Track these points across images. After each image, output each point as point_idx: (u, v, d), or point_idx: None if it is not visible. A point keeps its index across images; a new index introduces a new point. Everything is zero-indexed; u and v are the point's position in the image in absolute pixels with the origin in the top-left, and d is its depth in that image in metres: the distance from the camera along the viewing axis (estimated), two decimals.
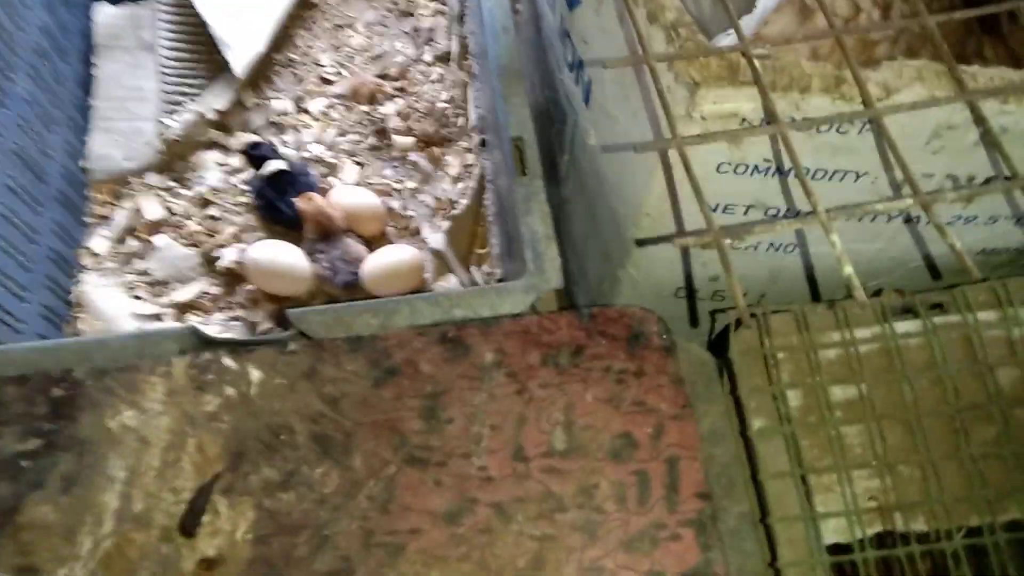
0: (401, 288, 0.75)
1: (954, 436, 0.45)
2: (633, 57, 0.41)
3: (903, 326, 0.46)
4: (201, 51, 0.88)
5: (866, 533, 0.43)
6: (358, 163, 0.83)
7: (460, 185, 0.80)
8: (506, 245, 0.66)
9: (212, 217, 0.79)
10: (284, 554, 0.42)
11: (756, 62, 0.38)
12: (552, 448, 0.44)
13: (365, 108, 0.85)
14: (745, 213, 0.48)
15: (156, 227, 0.78)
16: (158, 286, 0.76)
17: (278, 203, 0.77)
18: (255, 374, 0.46)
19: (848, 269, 0.35)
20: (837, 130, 0.42)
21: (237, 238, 0.78)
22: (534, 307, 0.47)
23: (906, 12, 0.58)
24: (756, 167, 0.44)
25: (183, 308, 0.74)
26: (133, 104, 0.83)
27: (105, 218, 0.80)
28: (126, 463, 0.44)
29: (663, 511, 0.43)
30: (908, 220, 0.51)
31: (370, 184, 0.81)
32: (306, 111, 0.85)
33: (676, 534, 0.42)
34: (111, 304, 0.74)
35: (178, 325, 0.48)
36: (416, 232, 0.79)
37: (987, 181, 0.47)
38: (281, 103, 0.85)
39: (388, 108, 0.84)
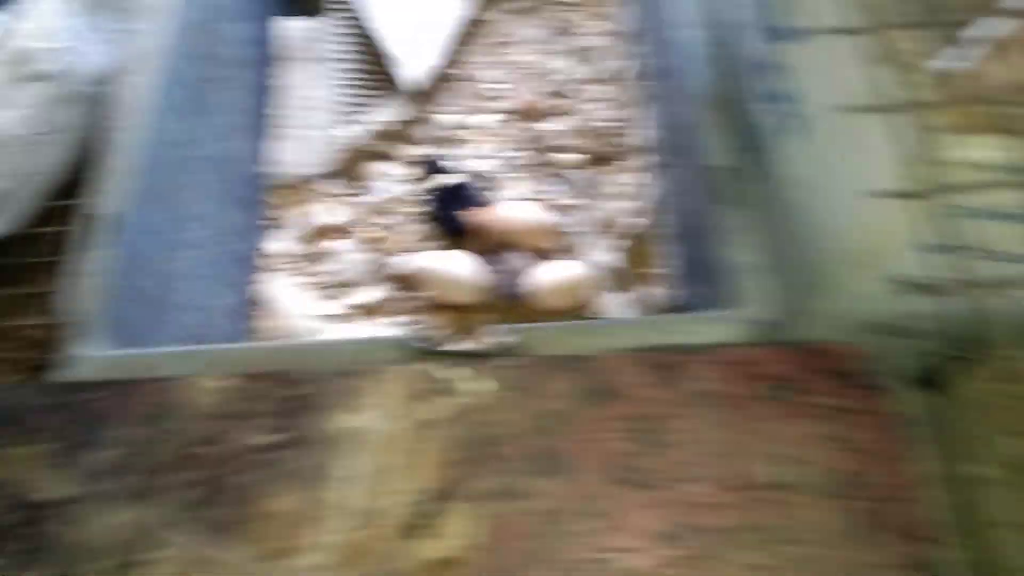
0: (566, 303, 0.77)
1: None
2: (888, 103, 0.42)
3: None
4: (375, 65, 0.92)
5: None
6: (523, 179, 0.85)
7: (624, 204, 0.81)
8: (687, 269, 0.67)
9: (385, 225, 0.83)
10: (505, 562, 0.44)
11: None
12: (763, 479, 0.45)
13: (530, 125, 0.88)
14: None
15: (333, 232, 0.82)
16: (334, 288, 0.80)
17: (450, 215, 0.80)
18: (478, 386, 0.48)
19: None
20: None
21: (409, 246, 0.81)
22: (749, 339, 0.48)
23: None
24: (1007, 214, 0.43)
25: (360, 311, 0.78)
26: (311, 114, 0.88)
27: (282, 222, 0.84)
28: (358, 464, 0.47)
29: (873, 550, 0.43)
30: None
31: (534, 200, 0.83)
32: (473, 126, 0.88)
33: None
34: (291, 303, 0.78)
35: (395, 335, 0.51)
36: (577, 249, 0.81)
37: None
38: (450, 117, 0.89)
39: (553, 125, 0.87)
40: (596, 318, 0.75)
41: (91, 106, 0.82)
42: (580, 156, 0.84)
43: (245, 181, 0.81)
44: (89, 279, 0.55)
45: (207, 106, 0.73)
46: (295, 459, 0.47)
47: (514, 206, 0.81)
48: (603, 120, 0.86)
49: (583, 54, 0.92)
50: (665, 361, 0.48)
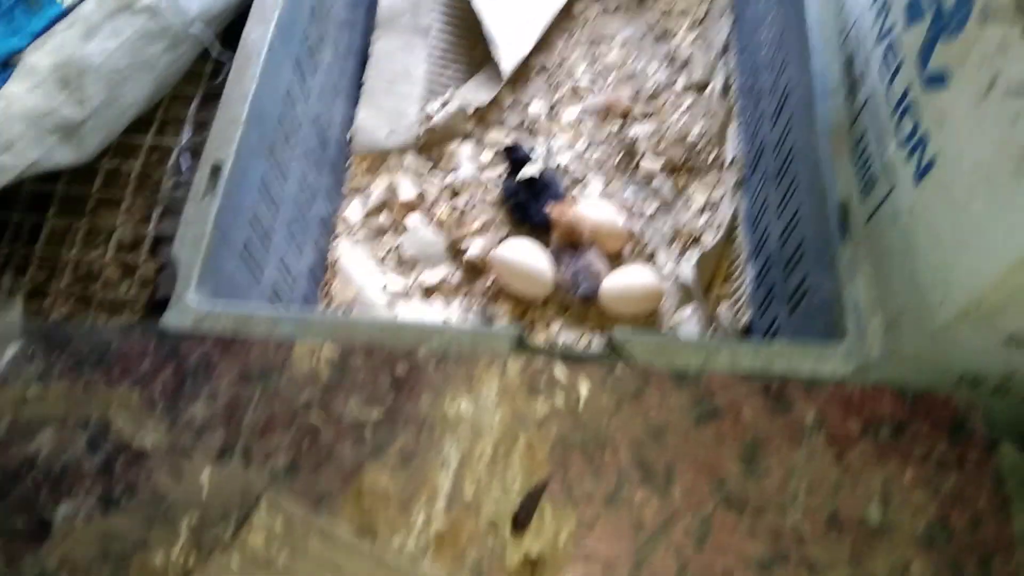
0: (636, 311, 0.76)
1: None
2: None
3: None
4: (467, 43, 0.91)
5: None
6: (603, 179, 0.85)
7: (704, 218, 0.81)
8: (765, 292, 0.67)
9: (461, 207, 0.82)
10: (601, 566, 0.44)
11: None
12: (866, 520, 0.45)
13: (615, 126, 0.87)
14: None
15: (409, 207, 0.82)
16: (405, 264, 0.79)
17: (529, 207, 0.79)
18: (583, 388, 0.48)
19: None
20: None
21: (482, 232, 0.81)
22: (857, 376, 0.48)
23: None
24: None
25: (427, 291, 0.78)
26: (400, 84, 0.87)
27: (361, 189, 0.84)
28: (460, 449, 0.46)
29: None
30: None
31: (612, 202, 0.83)
32: (558, 119, 0.88)
33: None
34: (362, 273, 0.78)
35: (507, 327, 0.51)
36: (651, 257, 0.80)
37: None
38: (535, 108, 0.88)
39: (638, 129, 0.86)
40: (671, 330, 0.75)
41: (185, 45, 0.82)
42: (663, 163, 0.84)
43: (336, 144, 0.80)
44: (194, 227, 0.55)
45: (313, 63, 0.72)
46: (397, 439, 0.47)
47: (593, 205, 0.81)
48: (691, 132, 0.85)
49: (676, 61, 0.91)
50: (774, 388, 0.48)
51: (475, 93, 0.87)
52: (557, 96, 0.89)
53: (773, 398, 0.48)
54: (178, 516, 0.44)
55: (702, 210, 0.81)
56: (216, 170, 0.56)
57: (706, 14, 0.95)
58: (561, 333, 0.75)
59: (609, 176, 0.85)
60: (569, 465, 0.46)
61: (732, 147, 0.81)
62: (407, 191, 0.82)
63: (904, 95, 0.56)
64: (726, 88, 0.85)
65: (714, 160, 0.83)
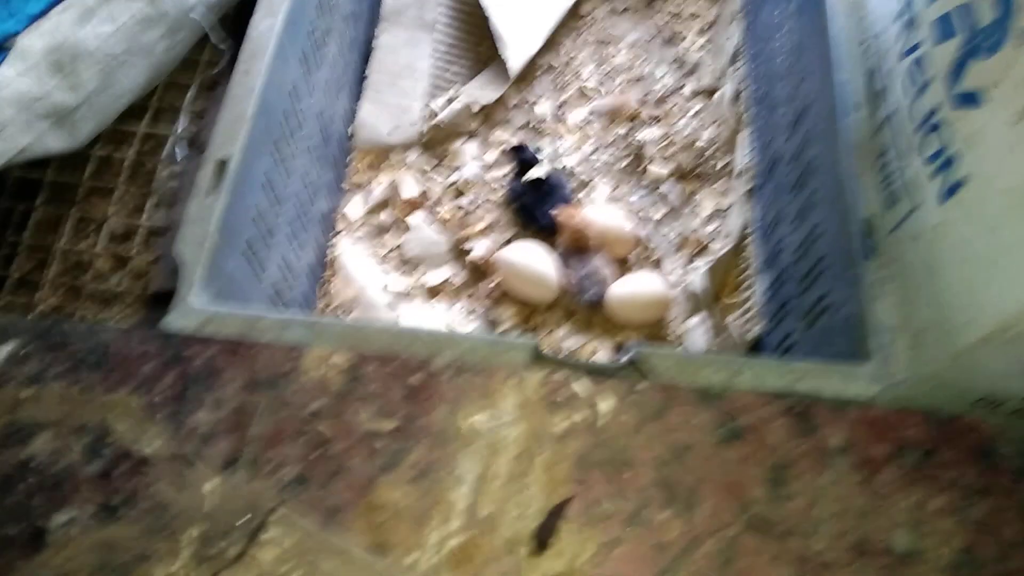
0: (643, 319, 0.75)
1: None
2: None
3: None
4: (472, 39, 0.89)
5: None
6: (609, 183, 0.83)
7: (712, 226, 0.80)
8: (777, 305, 0.66)
9: (464, 207, 0.80)
10: None
11: None
12: (892, 547, 0.44)
13: (622, 129, 0.86)
14: None
15: (412, 205, 0.80)
16: (407, 264, 0.77)
17: (535, 210, 0.78)
18: (604, 405, 0.47)
19: None
20: None
21: (486, 233, 0.79)
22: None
23: None
24: None
25: (430, 292, 0.76)
26: (404, 81, 0.85)
27: (361, 186, 0.82)
28: (476, 465, 0.45)
29: None
30: None
31: (620, 207, 0.81)
32: (564, 121, 0.86)
33: None
34: (363, 273, 0.76)
35: (526, 339, 0.49)
36: (657, 264, 0.79)
37: None
38: (542, 108, 0.86)
39: (646, 134, 0.85)
40: (681, 342, 0.73)
41: (183, 32, 0.79)
42: (671, 169, 0.83)
43: (338, 140, 0.78)
44: (197, 225, 0.52)
45: (319, 57, 0.70)
46: (411, 452, 0.45)
47: (600, 210, 0.79)
48: (699, 138, 0.84)
49: (684, 65, 0.90)
50: (800, 409, 0.47)
51: (481, 91, 0.85)
52: (564, 97, 0.88)
53: (798, 419, 0.47)
54: (181, 528, 0.42)
55: (710, 218, 0.80)
56: (222, 166, 0.54)
57: (716, 19, 0.93)
58: (566, 340, 0.74)
59: (616, 180, 0.83)
60: (590, 484, 0.45)
61: (742, 155, 0.80)
62: (410, 189, 0.80)
63: (931, 113, 0.55)
64: (736, 95, 0.84)
65: (723, 167, 0.82)
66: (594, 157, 0.84)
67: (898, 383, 0.49)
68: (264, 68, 0.58)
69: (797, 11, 0.70)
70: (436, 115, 0.84)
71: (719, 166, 0.82)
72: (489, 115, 0.85)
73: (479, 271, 0.77)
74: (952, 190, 0.52)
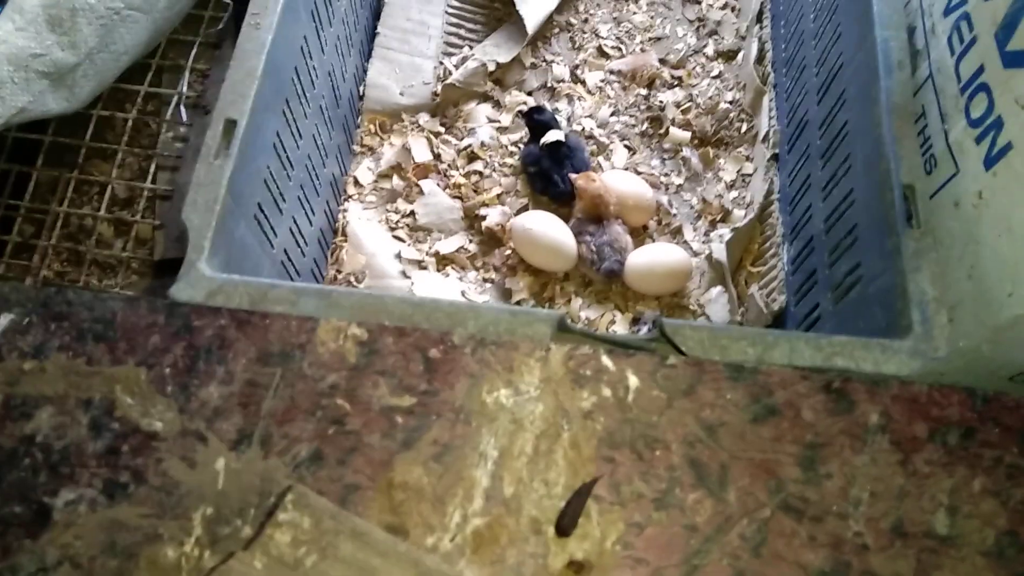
0: (663, 289, 0.73)
1: None
2: None
3: None
4: None
5: None
6: (628, 147, 0.80)
7: (734, 193, 0.77)
8: (802, 276, 0.63)
9: (478, 173, 0.78)
10: (651, 573, 0.41)
11: None
12: (932, 530, 0.42)
13: (642, 91, 0.83)
14: None
15: (423, 171, 0.77)
16: (420, 231, 0.75)
17: (553, 175, 0.75)
18: (633, 380, 0.45)
19: None
20: None
21: (501, 199, 0.77)
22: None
23: None
24: None
25: (442, 260, 0.74)
26: (416, 39, 0.82)
27: (372, 149, 0.79)
28: (499, 442, 0.43)
29: None
30: None
31: (638, 172, 0.79)
32: (582, 82, 0.83)
33: None
34: (374, 240, 0.73)
35: (550, 311, 0.47)
36: (677, 232, 0.77)
37: None
38: (559, 68, 0.83)
39: (667, 96, 0.82)
40: (702, 312, 0.71)
41: None
42: (692, 134, 0.80)
43: (348, 101, 0.75)
44: (206, 189, 0.50)
45: (328, 13, 0.66)
46: (431, 429, 0.43)
47: (618, 176, 0.77)
48: (722, 101, 0.81)
49: (705, 25, 0.87)
50: (836, 386, 0.45)
51: (496, 49, 0.82)
52: (581, 57, 0.84)
53: (834, 396, 0.45)
54: (191, 507, 0.41)
55: (732, 184, 0.78)
56: (231, 126, 0.51)
57: None
58: (583, 310, 0.72)
59: (635, 145, 0.80)
60: (617, 463, 0.43)
61: (766, 120, 0.77)
62: (421, 153, 0.77)
63: (977, 73, 0.52)
64: (761, 56, 0.80)
65: (747, 132, 0.79)
66: (612, 119, 0.81)
67: (938, 359, 0.47)
68: (274, 22, 0.55)
69: None
70: (450, 74, 0.80)
71: (743, 130, 0.79)
72: (504, 75, 0.82)
73: (494, 239, 0.75)
74: (999, 155, 0.50)
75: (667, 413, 0.44)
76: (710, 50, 0.85)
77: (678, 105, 0.81)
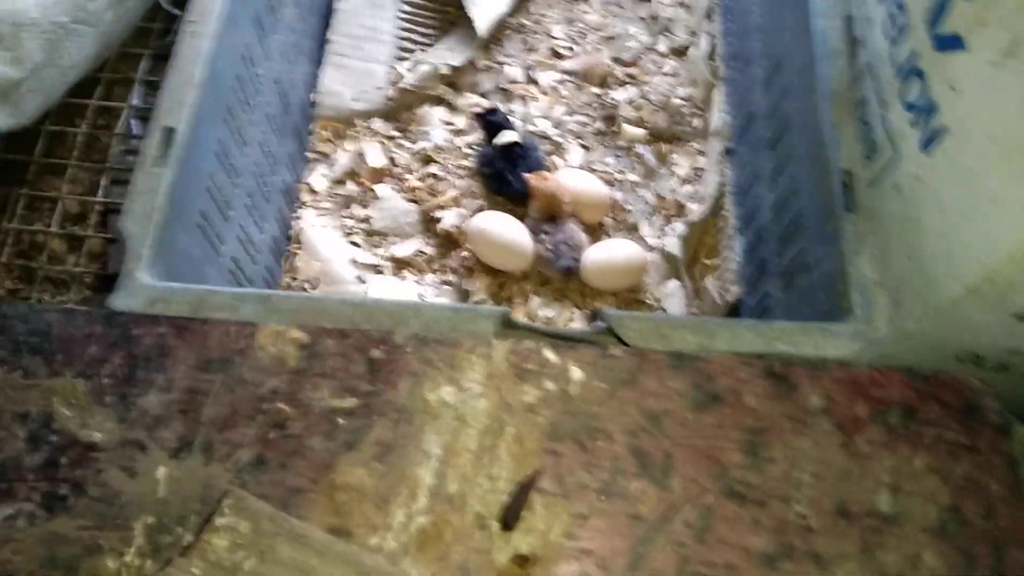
0: (619, 285, 0.73)
1: None
2: None
3: None
4: (439, 1, 0.86)
5: None
6: (583, 146, 0.81)
7: (688, 188, 0.78)
8: (755, 266, 0.64)
9: (434, 175, 0.78)
10: (597, 563, 0.41)
11: None
12: (876, 509, 0.42)
13: (596, 90, 0.83)
14: None
15: (378, 175, 0.77)
16: (376, 236, 0.75)
17: (508, 175, 0.75)
18: (576, 372, 0.45)
19: None
20: None
21: (457, 201, 0.77)
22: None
23: None
24: None
25: (399, 264, 0.74)
26: (368, 44, 0.82)
27: (326, 155, 0.79)
28: (442, 440, 0.43)
29: None
30: None
31: (593, 170, 0.79)
32: (535, 82, 0.83)
33: None
34: (329, 246, 0.73)
35: (494, 307, 0.47)
36: (633, 228, 0.77)
37: None
38: (512, 70, 0.83)
39: (620, 94, 0.82)
40: (659, 306, 0.71)
41: (133, 0, 0.75)
42: (646, 131, 0.80)
43: (299, 108, 0.75)
44: (144, 197, 0.50)
45: (274, 20, 0.66)
46: (373, 429, 0.43)
47: (573, 174, 0.77)
48: (674, 97, 0.81)
49: (657, 23, 0.87)
50: (777, 371, 0.45)
51: (449, 52, 0.82)
52: (534, 58, 0.85)
53: (776, 381, 0.45)
54: (132, 517, 0.40)
55: (686, 179, 0.78)
56: (169, 134, 0.51)
57: None
58: (541, 309, 0.72)
59: (590, 143, 0.81)
60: (561, 455, 0.43)
61: (718, 114, 0.77)
62: (376, 158, 0.77)
63: (911, 58, 0.53)
64: (711, 52, 0.81)
65: (699, 127, 0.80)
66: (567, 119, 0.82)
67: (879, 341, 0.47)
68: (213, 31, 0.55)
69: None
70: (402, 78, 0.80)
71: (695, 125, 0.80)
72: (457, 78, 0.82)
73: (450, 241, 0.75)
74: (933, 138, 0.50)
75: (610, 404, 0.44)
76: (662, 47, 0.86)
77: (631, 102, 0.81)
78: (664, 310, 0.71)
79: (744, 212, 0.70)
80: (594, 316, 0.72)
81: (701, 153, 0.79)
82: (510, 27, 0.86)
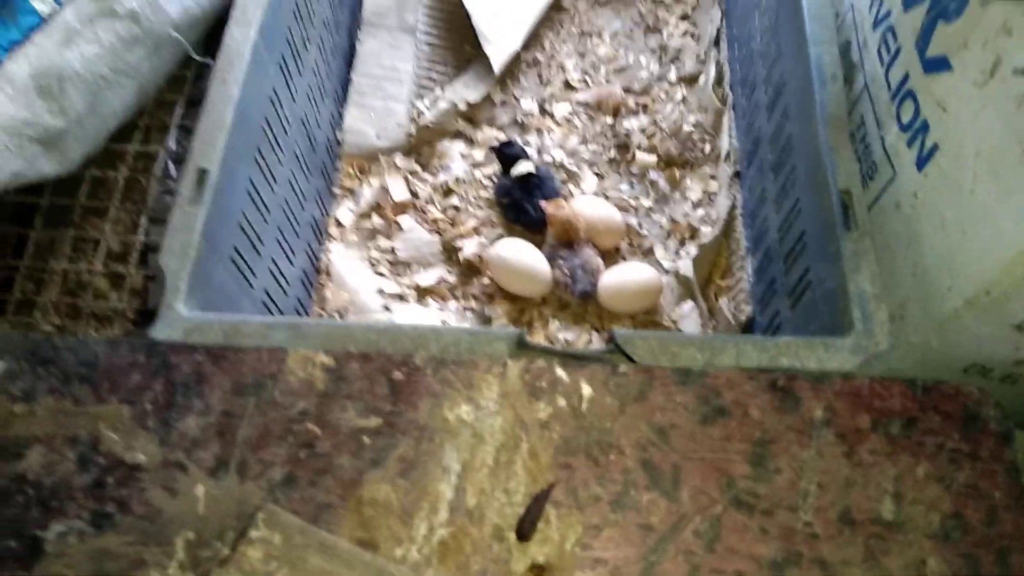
0: (635, 307, 0.75)
1: None
2: None
3: None
4: (455, 40, 0.90)
5: None
6: (597, 174, 0.83)
7: (701, 211, 0.80)
8: (765, 286, 0.66)
9: (454, 207, 0.81)
10: (610, 572, 0.43)
11: None
12: (879, 516, 0.44)
13: (608, 120, 0.86)
14: None
15: (402, 208, 0.80)
16: (400, 266, 0.78)
17: (525, 204, 0.78)
18: (586, 389, 0.47)
19: None
20: None
21: (477, 231, 0.80)
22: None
23: None
24: None
25: (422, 292, 0.76)
26: (389, 84, 0.86)
27: (351, 191, 0.82)
28: (461, 456, 0.45)
29: None
30: None
31: (607, 197, 0.82)
32: (550, 114, 0.86)
33: None
34: (356, 277, 0.76)
35: (507, 329, 0.49)
36: (649, 252, 0.79)
37: None
38: (528, 103, 0.87)
39: (632, 123, 0.85)
40: (675, 327, 0.73)
41: (167, 50, 0.80)
42: (658, 157, 0.83)
43: (325, 146, 0.79)
44: (180, 235, 0.53)
45: (298, 64, 0.70)
46: (397, 447, 0.45)
47: (589, 201, 0.80)
48: (684, 124, 0.84)
49: (667, 53, 0.90)
50: (781, 385, 0.47)
51: (466, 89, 0.86)
52: (548, 91, 0.88)
53: (780, 395, 0.47)
54: (174, 533, 0.43)
55: (699, 203, 0.80)
56: (202, 175, 0.54)
57: (697, 4, 0.93)
58: (560, 332, 0.74)
59: (604, 171, 0.83)
60: (574, 469, 0.45)
61: (727, 139, 0.80)
62: (399, 192, 0.81)
63: (904, 80, 0.55)
64: (719, 79, 0.84)
65: (709, 152, 0.82)
66: (581, 148, 0.84)
67: (880, 354, 0.49)
68: (240, 76, 0.59)
69: None
70: (422, 115, 0.84)
71: (706, 150, 0.82)
72: (474, 115, 0.86)
73: (471, 269, 0.78)
74: (927, 157, 0.52)
75: (620, 419, 0.46)
76: (672, 76, 0.88)
77: (643, 130, 0.84)
78: (680, 331, 0.73)
79: (754, 233, 0.72)
80: (611, 338, 0.74)
81: (712, 177, 0.81)
82: (525, 62, 0.90)
